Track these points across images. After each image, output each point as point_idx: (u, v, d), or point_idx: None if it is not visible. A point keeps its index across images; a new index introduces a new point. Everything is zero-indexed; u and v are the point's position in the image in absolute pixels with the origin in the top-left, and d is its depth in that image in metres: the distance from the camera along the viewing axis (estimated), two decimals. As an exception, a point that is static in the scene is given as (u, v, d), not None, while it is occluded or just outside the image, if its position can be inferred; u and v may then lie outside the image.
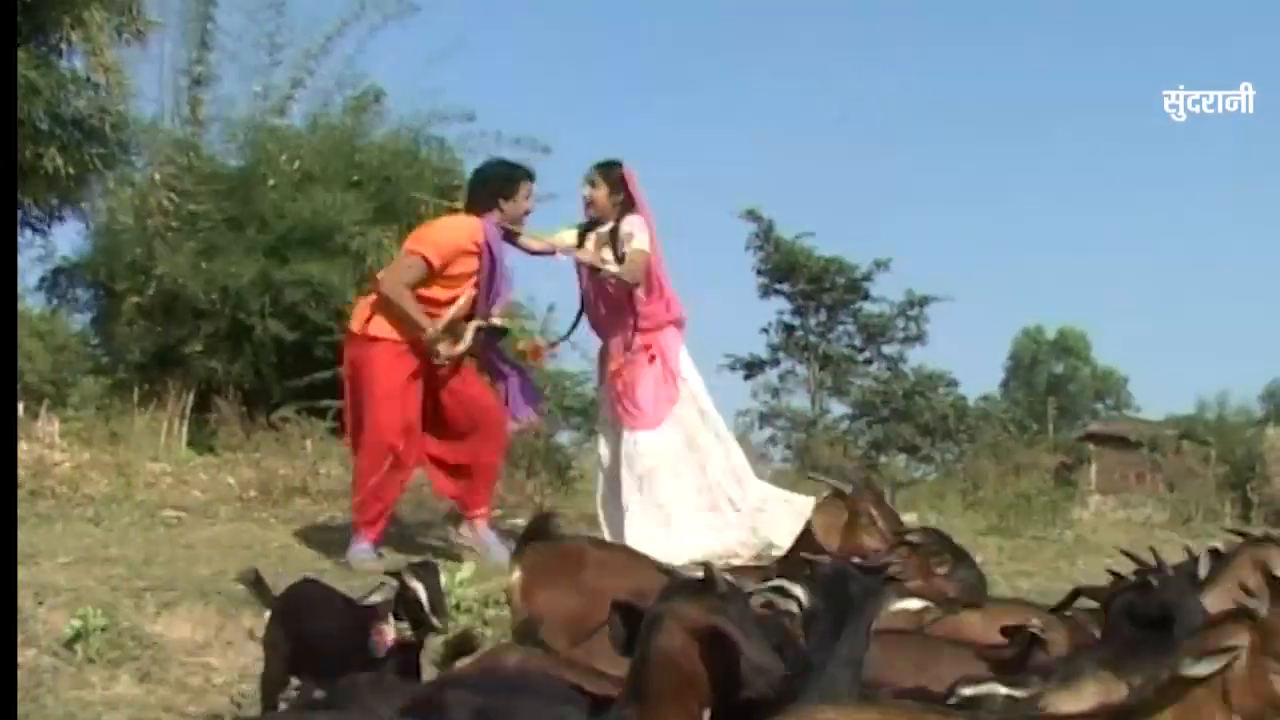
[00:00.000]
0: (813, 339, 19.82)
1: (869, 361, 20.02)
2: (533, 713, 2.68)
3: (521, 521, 7.57)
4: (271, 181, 11.66)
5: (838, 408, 20.02)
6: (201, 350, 11.28)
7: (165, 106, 12.65)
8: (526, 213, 6.21)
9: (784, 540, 5.44)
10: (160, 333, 11.59)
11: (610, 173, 6.12)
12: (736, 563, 5.26)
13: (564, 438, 10.48)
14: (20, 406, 8.29)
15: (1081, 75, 56.87)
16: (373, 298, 6.03)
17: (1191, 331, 56.35)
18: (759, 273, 19.71)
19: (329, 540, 6.39)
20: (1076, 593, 3.89)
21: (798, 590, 2.93)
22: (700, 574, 2.67)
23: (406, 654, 3.62)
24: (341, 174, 11.79)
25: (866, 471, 13.64)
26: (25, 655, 4.60)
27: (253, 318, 11.16)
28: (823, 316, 19.79)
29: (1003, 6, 60.04)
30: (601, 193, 6.09)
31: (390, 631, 3.60)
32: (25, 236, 11.16)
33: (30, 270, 12.12)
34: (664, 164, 50.64)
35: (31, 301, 13.00)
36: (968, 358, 60.82)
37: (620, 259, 5.98)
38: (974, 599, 4.05)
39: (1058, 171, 58.62)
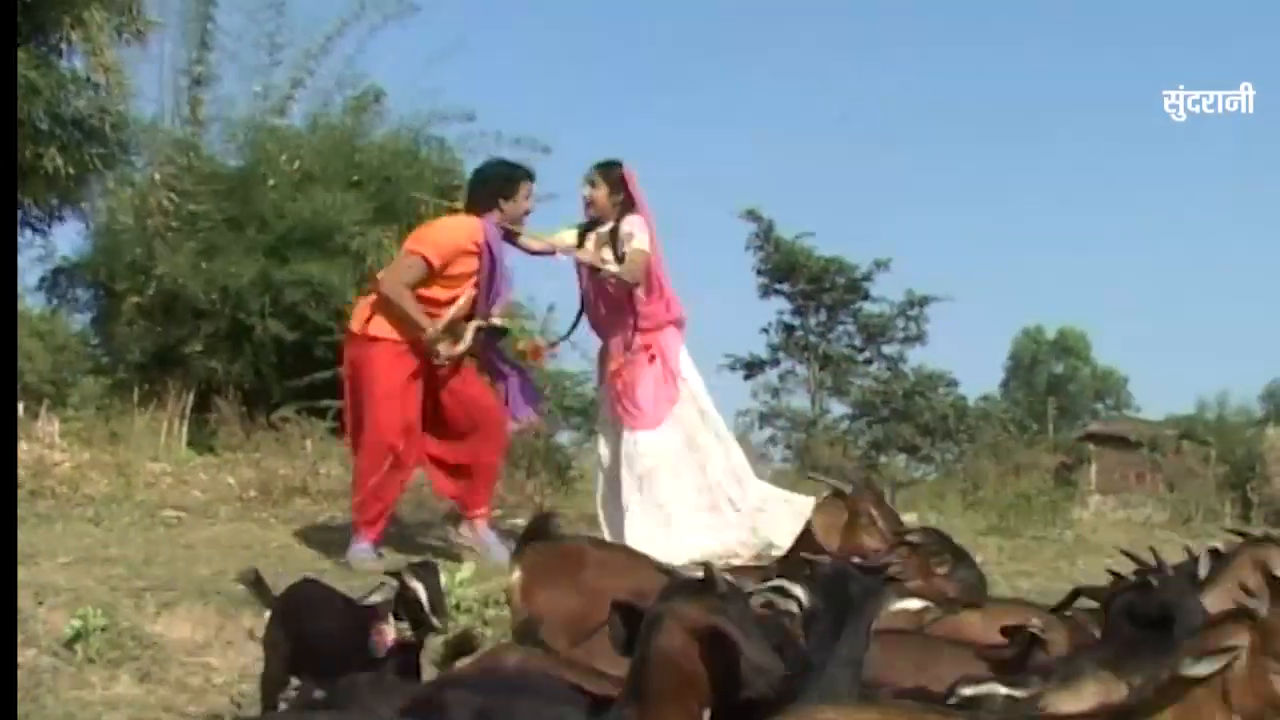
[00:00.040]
0: (813, 339, 19.82)
1: (869, 361, 20.02)
2: (533, 713, 2.68)
3: (521, 521, 7.57)
4: (271, 181, 11.66)
5: (838, 408, 20.04)
6: (201, 350, 11.28)
7: (165, 106, 12.68)
8: (527, 213, 6.21)
9: (784, 540, 5.44)
10: (160, 333, 11.59)
11: (610, 173, 6.11)
12: (736, 563, 5.26)
13: (564, 438, 10.49)
14: (20, 406, 8.29)
15: (1081, 75, 56.93)
16: (372, 298, 6.02)
17: (1191, 331, 56.39)
18: (759, 273, 19.72)
19: (329, 540, 6.39)
20: (1076, 593, 3.89)
21: (797, 590, 2.93)
22: (700, 574, 2.67)
23: (406, 654, 3.61)
24: (341, 174, 11.79)
25: (866, 471, 13.64)
26: (25, 655, 4.60)
27: (253, 318, 11.16)
28: (823, 316, 19.80)
29: (1003, 6, 60.08)
30: (601, 193, 6.09)
31: (390, 632, 3.59)
32: (25, 236, 11.17)
33: (30, 270, 12.14)
34: (664, 164, 50.69)
35: (31, 301, 13.02)
36: (968, 358, 60.87)
37: (620, 259, 5.98)
38: (974, 599, 4.06)
39: (1058, 171, 58.67)
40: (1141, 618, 3.17)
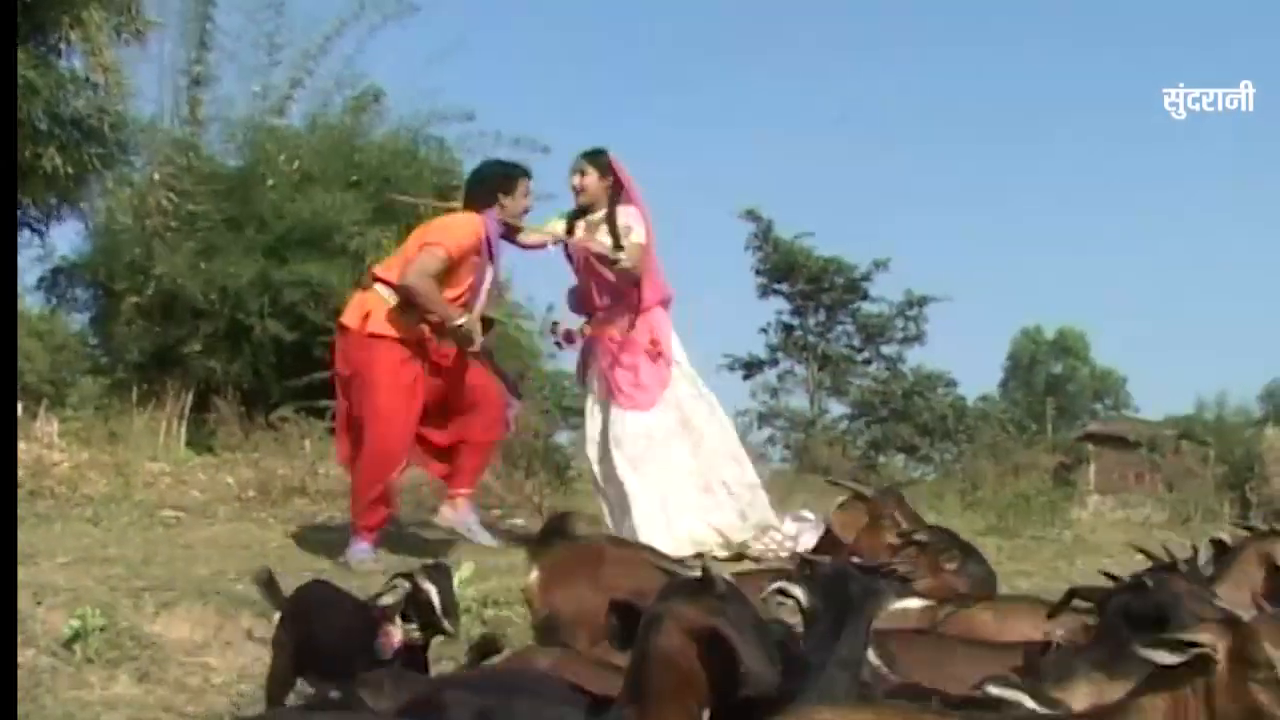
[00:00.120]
0: (811, 339, 19.86)
1: (868, 361, 20.07)
2: (533, 713, 2.68)
3: (521, 521, 7.60)
4: (270, 181, 11.65)
5: (836, 408, 20.10)
6: (200, 350, 11.27)
7: (164, 106, 12.66)
8: (526, 210, 6.23)
9: (777, 521, 5.75)
10: (159, 333, 11.58)
11: (598, 159, 6.21)
12: (758, 565, 5.33)
13: (563, 438, 10.47)
14: (19, 406, 8.28)
15: (1081, 74, 56.87)
16: (369, 292, 5.99)
17: (1190, 331, 56.35)
18: (758, 273, 19.78)
19: (328, 540, 6.39)
20: (1072, 594, 3.89)
21: (797, 591, 2.93)
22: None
23: (413, 655, 3.59)
24: (340, 174, 11.78)
25: (866, 471, 13.66)
26: (24, 655, 4.59)
27: (251, 318, 11.15)
28: (821, 316, 19.84)
29: (1003, 6, 60.04)
30: (591, 178, 6.17)
31: (397, 633, 3.57)
32: (24, 236, 11.15)
33: (29, 270, 12.12)
34: (664, 164, 50.71)
35: (30, 301, 13.00)
36: (966, 358, 60.98)
37: (618, 249, 6.05)
38: (985, 593, 4.09)
39: (1057, 171, 58.63)
40: (1136, 618, 3.17)
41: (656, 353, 6.13)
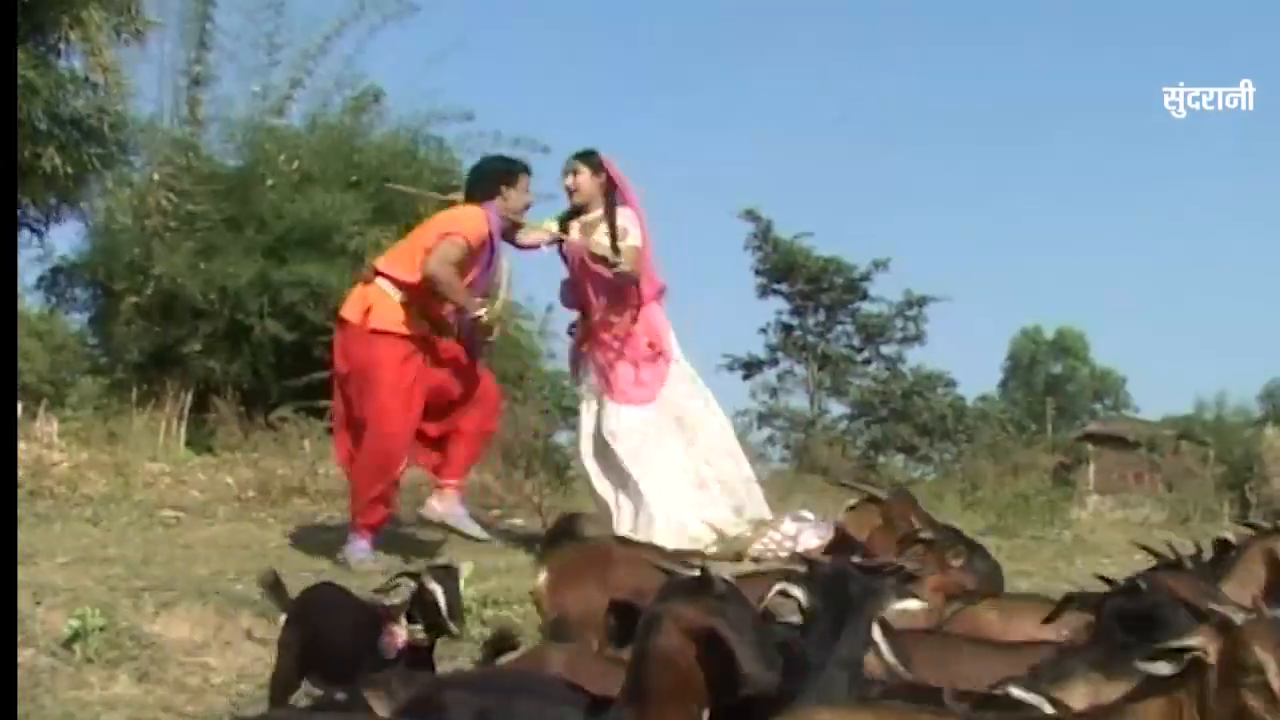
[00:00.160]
0: (811, 339, 19.84)
1: (867, 361, 20.05)
2: (533, 713, 2.68)
3: (521, 521, 7.61)
4: (270, 182, 11.65)
5: (836, 408, 20.07)
6: (200, 350, 11.27)
7: (164, 106, 12.65)
8: (527, 206, 6.24)
9: (769, 514, 5.89)
10: (159, 333, 11.58)
11: (589, 158, 6.25)
12: (758, 566, 5.34)
13: (563, 438, 10.48)
14: (19, 406, 8.28)
15: (1081, 74, 56.74)
16: (371, 286, 5.96)
17: (1190, 331, 56.28)
18: (757, 273, 19.75)
19: (327, 540, 6.38)
20: (1069, 599, 3.89)
21: (797, 591, 2.93)
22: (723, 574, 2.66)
23: (418, 656, 3.58)
24: (340, 174, 11.78)
25: (866, 471, 13.66)
26: (23, 655, 4.59)
27: (251, 318, 11.15)
28: (821, 316, 19.82)
29: (1003, 6, 59.99)
30: (584, 176, 6.20)
31: (401, 633, 3.56)
32: (24, 236, 11.15)
33: (29, 270, 12.12)
34: (663, 164, 50.65)
35: (30, 301, 12.99)
36: (966, 358, 60.89)
37: (615, 251, 6.06)
38: (992, 588, 4.10)
39: (1056, 171, 58.51)
40: (1131, 620, 3.17)
41: (656, 353, 6.15)
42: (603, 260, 6.06)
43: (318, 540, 6.49)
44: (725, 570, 2.81)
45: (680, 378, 6.25)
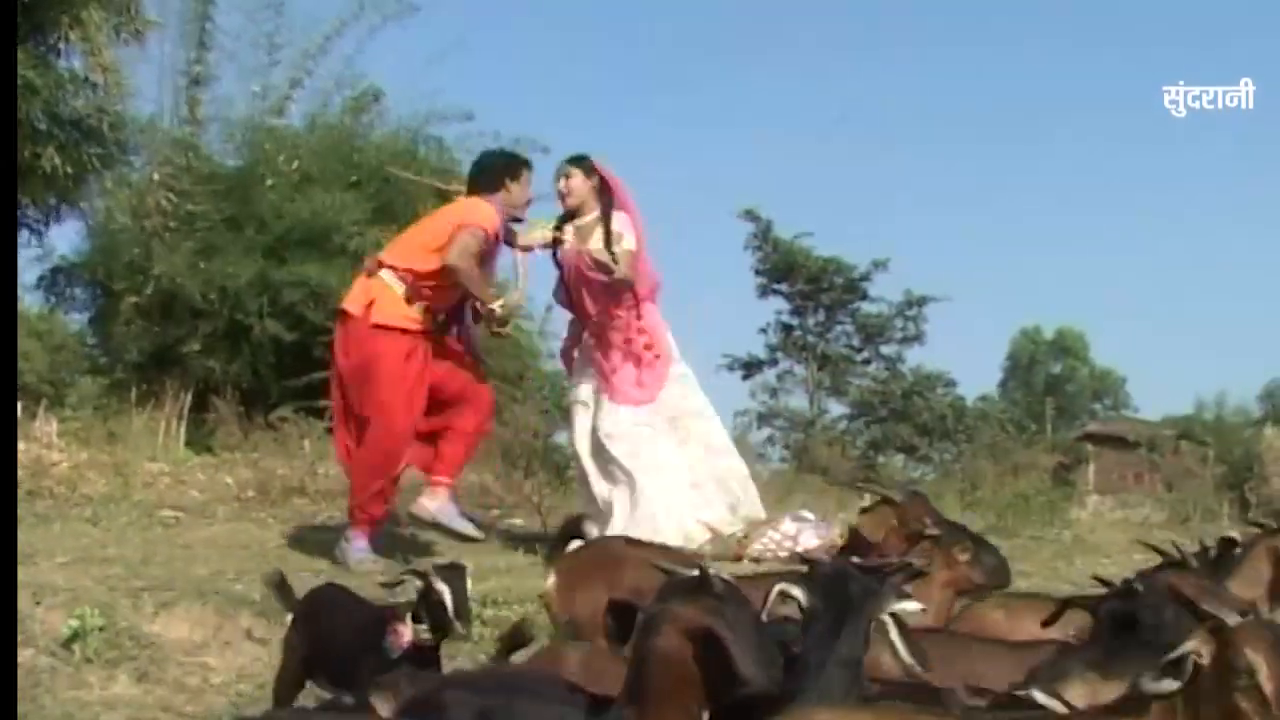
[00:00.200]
0: (811, 339, 19.86)
1: (867, 361, 20.07)
2: (533, 713, 2.68)
3: (520, 521, 7.61)
4: (270, 182, 11.65)
5: (836, 408, 20.09)
6: (199, 350, 11.27)
7: (163, 106, 12.65)
8: (529, 201, 6.24)
9: (764, 513, 5.94)
10: (158, 333, 11.58)
11: (582, 162, 6.27)
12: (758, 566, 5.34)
13: (563, 438, 10.47)
14: (18, 406, 8.28)
15: (1081, 73, 56.82)
16: (373, 279, 5.94)
17: (1190, 331, 56.37)
18: (757, 273, 19.77)
19: (327, 540, 6.38)
20: (1066, 603, 3.89)
21: (796, 591, 2.93)
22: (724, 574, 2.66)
23: (424, 656, 3.54)
24: (340, 174, 11.78)
25: (866, 471, 13.66)
26: (23, 655, 4.59)
27: (251, 318, 11.15)
28: (821, 316, 19.84)
29: (1003, 6, 60.03)
30: (577, 179, 6.21)
31: (406, 632, 3.52)
32: (23, 236, 11.15)
33: (28, 270, 12.11)
34: (663, 164, 50.67)
35: (29, 301, 12.98)
36: (966, 358, 60.94)
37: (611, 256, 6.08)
38: (1000, 581, 4.11)
39: (1056, 171, 58.59)
40: (1128, 621, 3.17)
41: (655, 355, 6.17)
42: (602, 267, 6.06)
43: (317, 540, 6.49)
44: (726, 571, 2.80)
45: (675, 377, 6.26)
